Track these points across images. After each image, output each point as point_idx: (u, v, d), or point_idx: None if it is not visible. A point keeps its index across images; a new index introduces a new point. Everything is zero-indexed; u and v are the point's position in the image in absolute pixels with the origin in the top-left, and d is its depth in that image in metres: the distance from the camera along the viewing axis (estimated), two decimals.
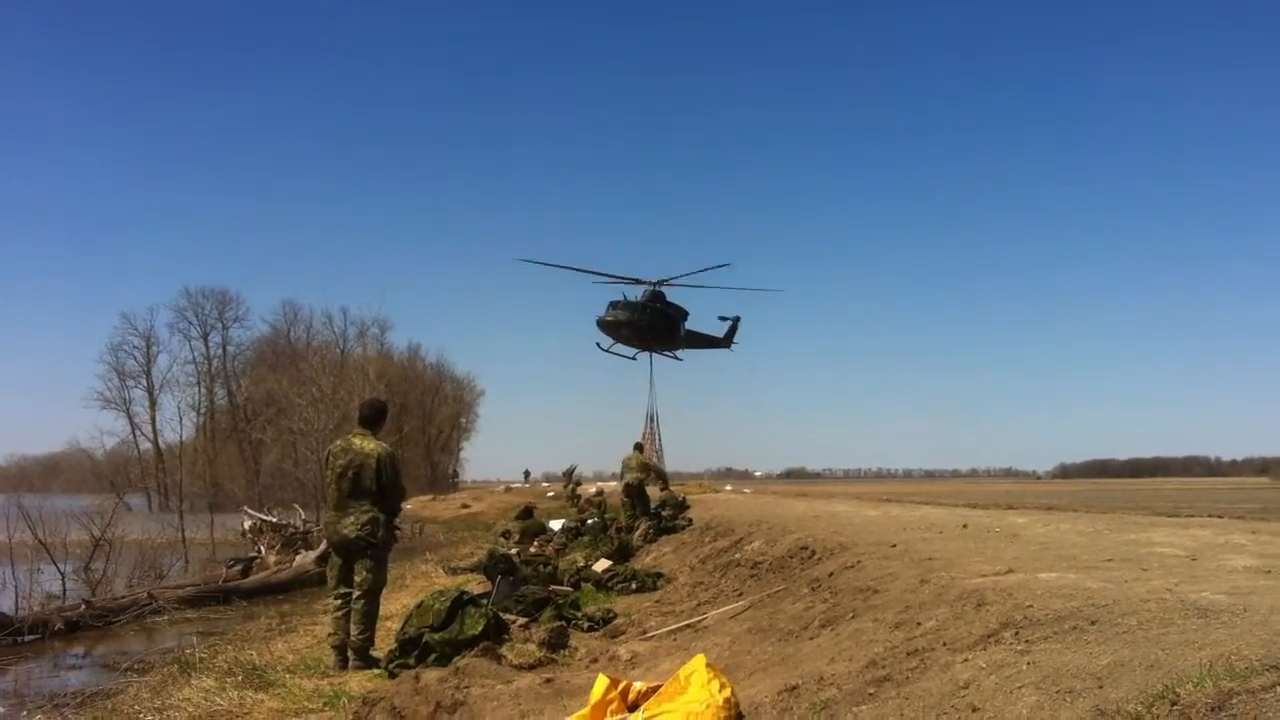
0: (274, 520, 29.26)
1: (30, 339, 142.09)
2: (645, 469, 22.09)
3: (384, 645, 9.37)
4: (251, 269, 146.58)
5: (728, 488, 45.74)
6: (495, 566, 13.11)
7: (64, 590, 18.97)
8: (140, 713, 8.00)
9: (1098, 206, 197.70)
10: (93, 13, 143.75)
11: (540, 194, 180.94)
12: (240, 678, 8.50)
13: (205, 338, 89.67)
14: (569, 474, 37.56)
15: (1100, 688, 3.84)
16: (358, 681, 8.29)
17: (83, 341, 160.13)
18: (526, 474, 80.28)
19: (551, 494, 45.14)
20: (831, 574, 8.86)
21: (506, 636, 9.24)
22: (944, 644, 5.21)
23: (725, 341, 43.82)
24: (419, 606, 9.36)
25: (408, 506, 34.99)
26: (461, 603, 9.24)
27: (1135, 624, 4.71)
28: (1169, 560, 7.35)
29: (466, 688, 6.41)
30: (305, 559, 21.89)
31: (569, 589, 13.38)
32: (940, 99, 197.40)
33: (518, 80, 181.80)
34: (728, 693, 4.90)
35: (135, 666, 11.19)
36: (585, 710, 5.15)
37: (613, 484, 30.38)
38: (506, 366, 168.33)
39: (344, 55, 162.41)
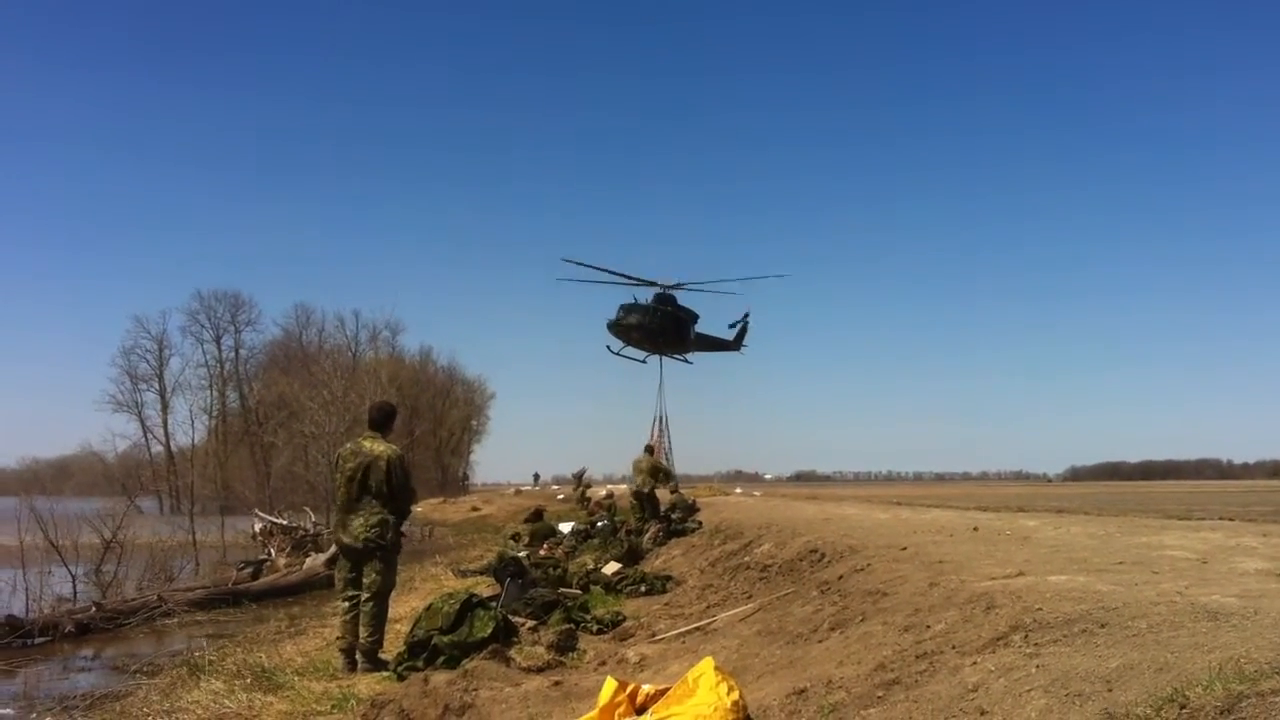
0: (284, 523, 29.27)
1: (42, 342, 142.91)
2: (656, 472, 22.10)
3: (393, 648, 9.37)
4: (264, 272, 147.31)
5: (737, 490, 45.66)
6: (504, 569, 13.11)
7: (74, 593, 19.00)
8: (149, 715, 8.02)
9: (1109, 208, 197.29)
10: (94, 12, 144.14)
11: (547, 196, 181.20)
12: (249, 680, 8.51)
13: (217, 341, 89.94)
14: (579, 477, 37.59)
15: (1109, 691, 3.82)
16: (366, 684, 8.30)
17: (95, 345, 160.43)
18: (536, 477, 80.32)
19: (561, 497, 45.16)
20: (841, 577, 8.84)
21: (515, 639, 9.25)
22: (953, 647, 5.19)
23: (735, 344, 43.78)
24: (428, 609, 9.36)
25: (418, 509, 35.10)
26: (471, 605, 9.24)
27: (1145, 627, 4.69)
28: (1180, 563, 7.31)
29: (475, 690, 6.42)
30: (315, 561, 21.91)
31: (578, 592, 13.38)
32: (940, 99, 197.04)
33: (519, 81, 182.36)
34: (736, 695, 4.89)
35: (145, 669, 11.22)
36: (594, 713, 5.15)
37: (623, 486, 30.43)
38: (516, 369, 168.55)
39: (345, 55, 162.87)
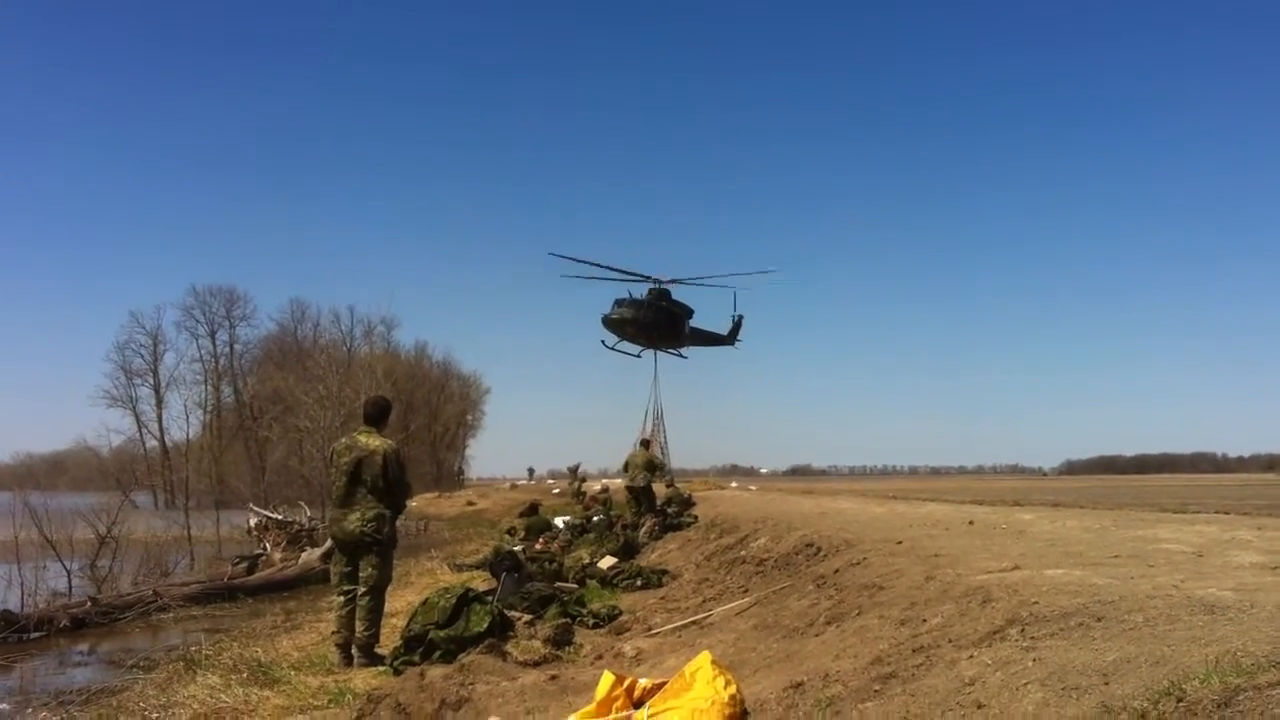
0: (279, 518, 29.26)
1: (37, 338, 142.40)
2: (651, 466, 22.11)
3: (389, 642, 9.38)
4: (259, 268, 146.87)
5: (733, 485, 45.68)
6: (500, 563, 13.12)
7: (70, 587, 19.00)
8: (146, 710, 8.01)
9: (1106, 204, 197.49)
10: (94, 12, 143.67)
11: (546, 195, 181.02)
12: (245, 675, 8.50)
13: (212, 336, 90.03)
14: (574, 471, 37.60)
15: (1106, 684, 3.83)
16: (363, 678, 8.30)
17: (89, 340, 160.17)
18: (531, 471, 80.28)
19: (557, 491, 45.14)
20: (837, 571, 8.85)
21: (511, 633, 9.26)
22: (950, 641, 5.20)
23: (730, 339, 43.81)
24: (424, 603, 9.37)
25: (413, 504, 35.11)
26: (467, 600, 9.25)
27: (1141, 620, 4.70)
28: (1175, 557, 7.32)
29: (471, 684, 6.41)
30: (310, 556, 21.93)
31: (574, 586, 13.39)
32: (940, 99, 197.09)
33: (519, 80, 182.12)
34: (733, 689, 4.89)
35: (141, 663, 11.20)
36: (590, 707, 5.14)
37: (618, 481, 30.41)
38: (511, 364, 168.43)
39: (344, 55, 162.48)
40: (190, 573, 23.01)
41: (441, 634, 8.75)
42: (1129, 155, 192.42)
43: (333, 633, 9.47)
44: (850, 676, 5.17)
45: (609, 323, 40.09)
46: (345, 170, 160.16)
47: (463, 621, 8.93)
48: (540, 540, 20.63)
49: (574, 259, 38.98)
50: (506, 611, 9.91)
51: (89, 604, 15.91)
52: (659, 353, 41.65)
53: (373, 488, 9.11)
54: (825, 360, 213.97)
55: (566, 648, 8.82)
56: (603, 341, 41.04)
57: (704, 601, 10.60)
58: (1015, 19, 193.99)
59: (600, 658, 8.17)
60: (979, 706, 4.04)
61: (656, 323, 40.18)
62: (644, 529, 19.62)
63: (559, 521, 23.92)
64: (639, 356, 41.69)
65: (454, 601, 9.11)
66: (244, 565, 22.02)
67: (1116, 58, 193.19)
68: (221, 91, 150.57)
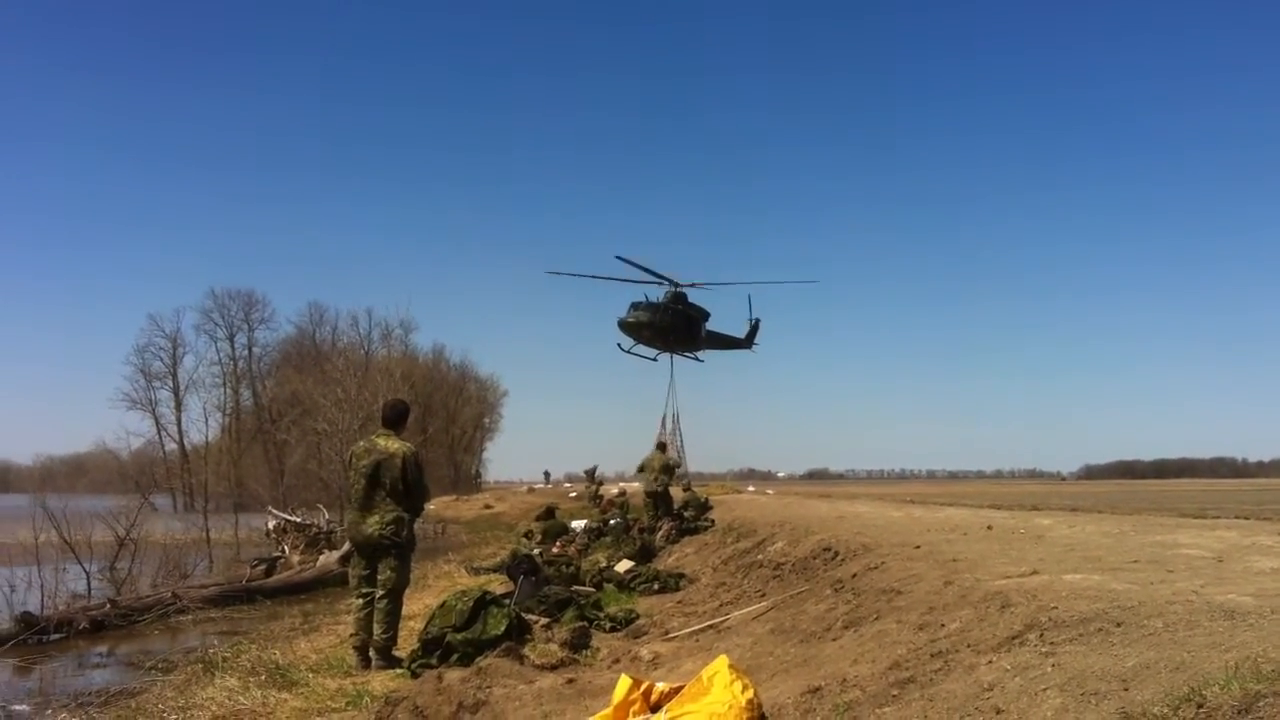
0: (298, 520, 29.36)
1: (57, 341, 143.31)
2: (668, 469, 22.08)
3: (407, 645, 9.39)
4: (277, 271, 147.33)
5: (750, 489, 45.68)
6: (518, 567, 13.12)
7: (89, 589, 19.07)
8: (164, 712, 8.04)
9: (1124, 207, 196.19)
10: (94, 12, 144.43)
11: (544, 194, 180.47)
12: (264, 677, 8.53)
13: (231, 339, 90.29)
14: (591, 474, 37.58)
15: (1125, 690, 3.81)
16: (380, 681, 8.32)
17: (110, 343, 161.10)
18: (547, 475, 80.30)
19: (574, 494, 45.16)
20: (855, 575, 8.83)
21: (529, 637, 9.26)
22: (968, 646, 5.18)
23: (747, 342, 43.69)
24: (442, 606, 9.38)
25: (431, 507, 35.15)
26: (484, 603, 9.26)
27: (1161, 626, 4.67)
28: (1195, 562, 7.29)
29: (489, 688, 6.43)
30: (329, 559, 21.96)
31: (591, 589, 13.40)
32: (941, 99, 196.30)
33: (521, 80, 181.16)
34: (750, 694, 4.89)
35: (159, 665, 11.24)
36: (608, 710, 5.15)
37: (635, 484, 30.40)
38: (528, 367, 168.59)
39: (346, 55, 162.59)
40: (209, 575, 23.07)
41: (459, 637, 8.76)
42: (1134, 156, 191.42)
43: (351, 635, 9.49)
44: (868, 681, 5.16)
45: (625, 326, 40.00)
46: (361, 171, 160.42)
47: (480, 624, 8.94)
48: (557, 544, 20.64)
49: (572, 274, 39.19)
50: (524, 615, 9.91)
51: (108, 606, 15.98)
52: (675, 356, 41.60)
53: (391, 491, 9.13)
54: (842, 364, 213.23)
55: (583, 651, 8.82)
56: (619, 345, 40.98)
57: (721, 605, 10.59)
58: (1015, 19, 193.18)
59: (617, 661, 8.16)
60: (997, 712, 4.03)
61: (673, 326, 40.08)
62: (661, 533, 19.62)
63: (576, 525, 23.93)
64: (655, 360, 41.66)
65: (471, 604, 9.12)
66: (262, 568, 22.07)
67: (1116, 58, 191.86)
68: (227, 92, 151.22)
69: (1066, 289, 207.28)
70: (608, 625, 10.53)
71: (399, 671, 8.65)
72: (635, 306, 39.83)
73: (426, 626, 9.21)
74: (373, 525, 9.10)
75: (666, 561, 16.98)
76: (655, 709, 5.00)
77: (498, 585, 13.11)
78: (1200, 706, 3.35)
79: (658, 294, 40.21)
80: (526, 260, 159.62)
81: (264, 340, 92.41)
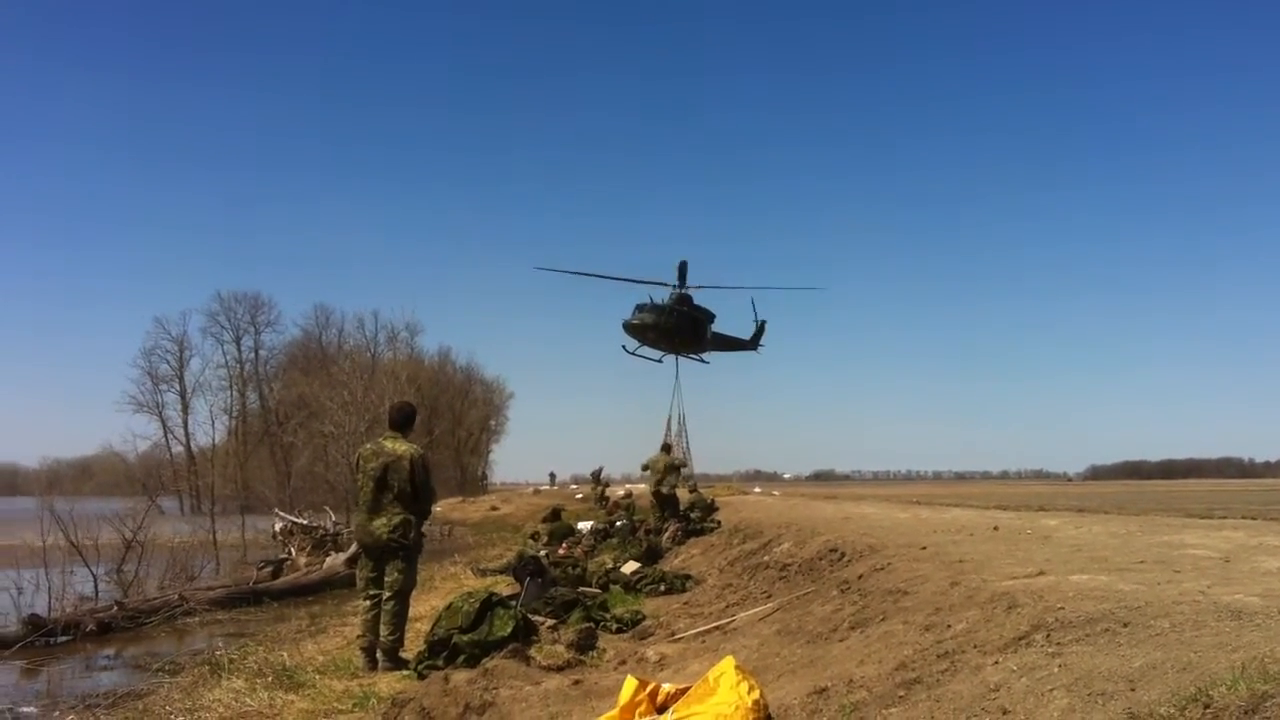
0: (304, 522, 29.41)
1: (63, 344, 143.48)
2: (673, 469, 22.08)
3: (413, 647, 9.40)
4: (275, 272, 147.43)
5: (756, 490, 45.71)
6: (524, 568, 13.13)
7: (96, 592, 19.14)
8: (171, 713, 8.07)
9: (1128, 205, 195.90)
10: (96, 12, 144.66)
11: (546, 194, 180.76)
12: (270, 679, 8.55)
13: (237, 341, 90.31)
14: (597, 476, 37.62)
15: (1132, 690, 3.81)
16: (387, 682, 8.33)
17: (116, 346, 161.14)
18: (552, 476, 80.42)
19: (580, 496, 45.22)
20: (861, 576, 8.82)
21: (535, 638, 9.26)
22: (975, 646, 5.18)
23: (752, 344, 43.64)
24: (448, 608, 9.39)
25: (437, 509, 35.22)
26: (490, 604, 9.27)
27: (1168, 626, 4.67)
28: (1202, 562, 7.27)
29: (495, 689, 6.43)
30: (335, 561, 21.99)
31: (597, 591, 13.40)
32: (941, 99, 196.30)
33: (522, 81, 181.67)
34: (757, 695, 4.89)
35: (166, 667, 11.27)
36: (614, 712, 5.15)
37: (641, 486, 30.42)
38: (533, 369, 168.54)
39: (347, 55, 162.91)
40: (216, 577, 23.10)
41: (465, 638, 8.77)
42: (1136, 156, 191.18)
43: (358, 636, 9.52)
44: (874, 682, 5.16)
45: (630, 328, 39.96)
46: (352, 172, 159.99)
47: (486, 626, 8.95)
48: (563, 545, 20.67)
49: (562, 270, 39.39)
50: (530, 616, 9.92)
51: (115, 608, 16.01)
52: (681, 358, 41.57)
53: (399, 493, 9.15)
54: (847, 365, 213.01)
55: (590, 652, 8.82)
56: (623, 346, 40.96)
57: (727, 607, 10.59)
58: (1015, 19, 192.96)
59: (623, 663, 8.16)
60: (1004, 712, 4.03)
61: (678, 328, 40.02)
62: (667, 534, 19.63)
63: (582, 526, 23.95)
64: (660, 361, 41.63)
65: (478, 606, 9.13)
66: (269, 570, 22.10)
67: (1116, 58, 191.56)
68: (224, 91, 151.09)
69: (1071, 288, 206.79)
70: (614, 626, 10.53)
71: (406, 673, 8.66)
72: (640, 308, 39.78)
73: (433, 628, 9.22)
74: (381, 527, 9.12)
75: (673, 563, 16.99)
76: (661, 710, 5.00)
77: (504, 587, 13.13)
78: (1207, 707, 3.35)
79: (663, 295, 40.21)
80: (528, 261, 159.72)
81: (270, 343, 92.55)
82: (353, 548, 17.85)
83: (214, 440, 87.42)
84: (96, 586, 19.48)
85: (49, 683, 11.98)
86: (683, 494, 23.35)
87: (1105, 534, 10.31)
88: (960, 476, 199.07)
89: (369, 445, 9.69)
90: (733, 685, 4.90)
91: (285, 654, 10.09)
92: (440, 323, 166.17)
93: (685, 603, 12.11)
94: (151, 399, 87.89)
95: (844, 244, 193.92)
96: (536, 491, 67.40)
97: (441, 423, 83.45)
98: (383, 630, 9.06)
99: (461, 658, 8.52)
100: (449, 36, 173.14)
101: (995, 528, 11.80)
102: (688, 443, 41.43)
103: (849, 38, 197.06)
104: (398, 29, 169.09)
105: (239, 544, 31.43)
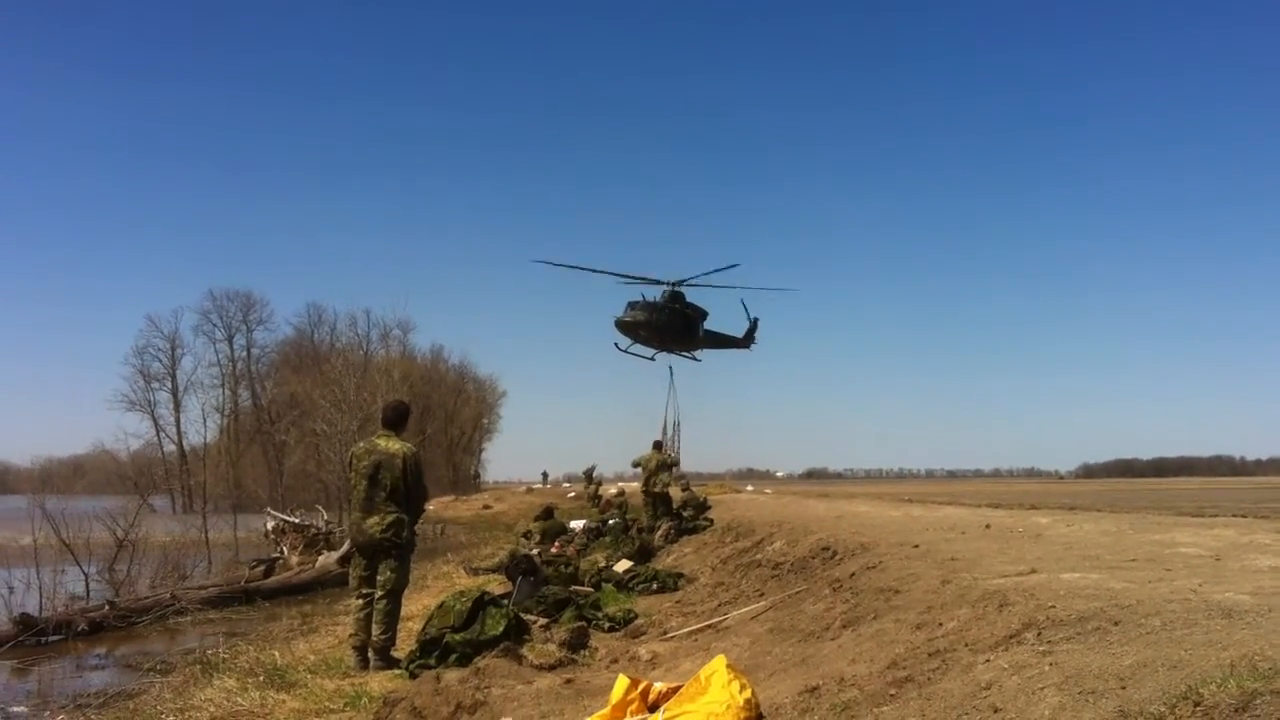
0: (297, 521, 29.35)
1: (54, 342, 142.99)
2: (665, 466, 22.06)
3: (405, 646, 9.39)
4: (275, 271, 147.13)
5: (749, 488, 45.71)
6: (516, 567, 13.11)
7: (88, 591, 19.11)
8: (162, 713, 8.05)
9: (1123, 204, 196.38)
10: (96, 12, 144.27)
11: (554, 195, 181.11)
12: (262, 678, 8.54)
13: (230, 340, 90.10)
14: (589, 474, 37.58)
15: (1123, 688, 3.81)
16: (379, 682, 8.32)
17: (107, 344, 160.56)
18: (545, 475, 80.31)
19: (572, 494, 45.19)
20: (853, 574, 8.83)
21: (527, 637, 9.25)
22: (966, 645, 5.18)
23: (745, 342, 43.58)
24: (440, 607, 9.39)
25: (430, 507, 35.17)
26: (483, 603, 9.26)
27: (1159, 624, 4.68)
28: (1193, 560, 7.29)
29: (487, 688, 6.43)
30: (327, 560, 21.99)
31: (590, 589, 13.38)
32: (941, 99, 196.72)
33: (523, 81, 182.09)
34: (748, 693, 4.89)
35: (158, 667, 11.27)
36: (606, 710, 5.15)
37: (634, 484, 30.40)
38: (525, 367, 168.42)
39: (346, 55, 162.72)
40: (207, 576, 23.09)
41: (457, 637, 8.76)
42: (1135, 155, 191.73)
43: (350, 636, 9.49)
44: (866, 681, 5.17)
45: (621, 325, 39.90)
46: (348, 171, 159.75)
47: (478, 625, 8.94)
48: (556, 544, 20.62)
49: (559, 264, 39.33)
50: (522, 615, 9.91)
51: (107, 608, 16.00)
52: (673, 355, 41.52)
53: (392, 491, 9.13)
54: (840, 363, 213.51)
55: (582, 651, 8.81)
56: (615, 344, 40.90)
57: (719, 605, 10.59)
58: (1015, 19, 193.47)
59: (615, 661, 8.16)
60: (995, 711, 4.03)
61: (670, 325, 39.97)
62: (660, 533, 19.60)
63: (575, 525, 23.92)
64: (653, 359, 41.57)
65: (470, 605, 9.12)
66: (261, 569, 22.07)
67: (1116, 58, 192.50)
68: (221, 91, 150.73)
69: (1065, 287, 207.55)
70: (606, 625, 10.53)
71: (397, 672, 8.65)
72: (632, 305, 39.74)
73: (425, 627, 9.21)
74: (374, 526, 9.10)
75: (665, 561, 16.97)
76: (653, 709, 5.00)
77: (496, 585, 13.11)
78: (1198, 705, 3.35)
79: (655, 293, 40.18)
80: (524, 260, 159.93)
81: (263, 341, 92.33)
82: (345, 547, 17.85)
83: (206, 438, 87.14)
84: (88, 585, 19.45)
85: (40, 682, 11.97)
86: (675, 492, 23.32)
87: (1097, 532, 10.33)
88: (952, 475, 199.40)
89: (362, 443, 9.67)
90: (724, 684, 4.90)
91: (277, 653, 10.07)
92: (433, 321, 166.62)
93: (677, 601, 12.10)
94: (143, 397, 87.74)
95: (841, 241, 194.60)
96: (529, 490, 67.38)
97: (434, 421, 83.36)
98: (375, 629, 9.05)
99: (453, 657, 8.51)
100: (441, 34, 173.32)
101: (987, 526, 11.81)
102: (679, 445, 41.45)
103: (850, 37, 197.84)
104: (398, 29, 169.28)
105: (231, 543, 31.38)
